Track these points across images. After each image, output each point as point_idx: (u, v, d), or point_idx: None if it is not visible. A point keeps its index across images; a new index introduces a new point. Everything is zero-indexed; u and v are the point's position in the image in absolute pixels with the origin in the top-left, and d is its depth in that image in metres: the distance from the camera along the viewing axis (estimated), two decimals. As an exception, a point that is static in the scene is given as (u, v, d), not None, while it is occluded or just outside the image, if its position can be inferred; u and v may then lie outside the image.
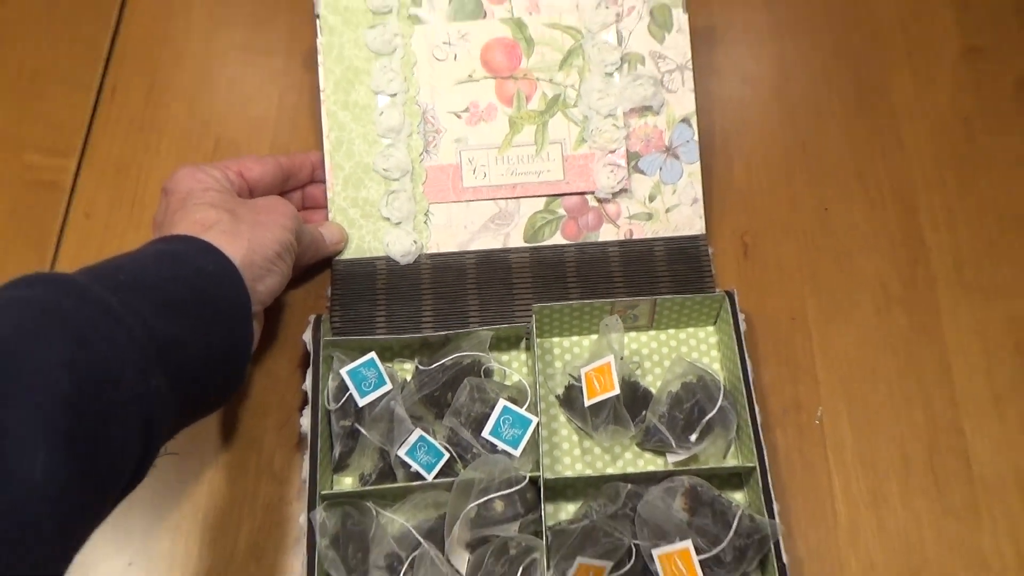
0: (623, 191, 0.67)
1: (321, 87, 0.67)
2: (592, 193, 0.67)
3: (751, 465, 0.57)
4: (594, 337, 0.65)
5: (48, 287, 0.45)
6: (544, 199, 0.67)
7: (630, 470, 0.60)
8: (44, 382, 0.40)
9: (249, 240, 0.55)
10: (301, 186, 0.68)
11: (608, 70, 0.67)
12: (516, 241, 0.67)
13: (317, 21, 0.67)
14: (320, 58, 0.67)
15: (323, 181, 0.67)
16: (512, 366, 0.64)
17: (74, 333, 0.43)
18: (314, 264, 0.66)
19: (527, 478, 0.56)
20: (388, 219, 0.67)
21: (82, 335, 0.43)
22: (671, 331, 0.65)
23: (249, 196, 0.62)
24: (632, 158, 0.67)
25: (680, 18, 0.67)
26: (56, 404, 0.40)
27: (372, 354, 0.61)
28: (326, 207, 0.67)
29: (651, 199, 0.67)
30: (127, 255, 0.51)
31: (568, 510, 0.59)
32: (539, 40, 0.67)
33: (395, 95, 0.67)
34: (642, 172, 0.67)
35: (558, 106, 0.67)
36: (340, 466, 0.60)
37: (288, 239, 0.58)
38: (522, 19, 0.67)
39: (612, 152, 0.66)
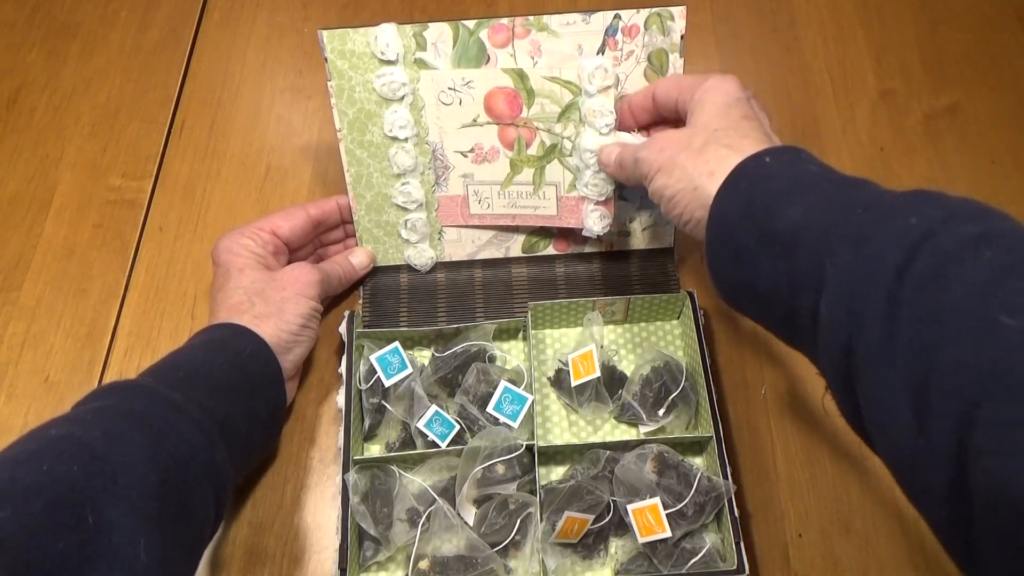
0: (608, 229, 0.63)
1: (337, 127, 0.60)
2: (580, 229, 0.63)
3: (709, 435, 0.56)
4: (579, 329, 0.64)
5: (123, 395, 0.45)
6: (539, 219, 0.65)
7: (608, 439, 0.59)
8: (134, 479, 0.41)
9: (276, 322, 0.55)
10: (334, 227, 0.65)
11: (603, 131, 0.58)
12: (515, 252, 0.66)
13: (326, 64, 0.58)
14: (332, 100, 0.59)
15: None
16: (511, 353, 0.63)
17: (151, 432, 0.43)
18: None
19: (524, 446, 0.55)
20: (407, 240, 0.65)
21: (158, 432, 0.44)
22: (643, 324, 0.64)
23: (286, 249, 0.61)
24: (618, 188, 0.62)
25: (676, 63, 0.59)
26: (147, 495, 0.41)
27: (396, 343, 0.60)
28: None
29: (631, 220, 0.65)
30: (182, 350, 0.52)
31: (558, 472, 0.59)
32: (539, 92, 0.59)
33: (406, 140, 0.60)
34: (625, 199, 0.64)
35: (555, 154, 0.61)
36: (369, 436, 0.60)
37: (311, 307, 0.57)
38: (524, 70, 0.58)
39: (601, 203, 0.61)
